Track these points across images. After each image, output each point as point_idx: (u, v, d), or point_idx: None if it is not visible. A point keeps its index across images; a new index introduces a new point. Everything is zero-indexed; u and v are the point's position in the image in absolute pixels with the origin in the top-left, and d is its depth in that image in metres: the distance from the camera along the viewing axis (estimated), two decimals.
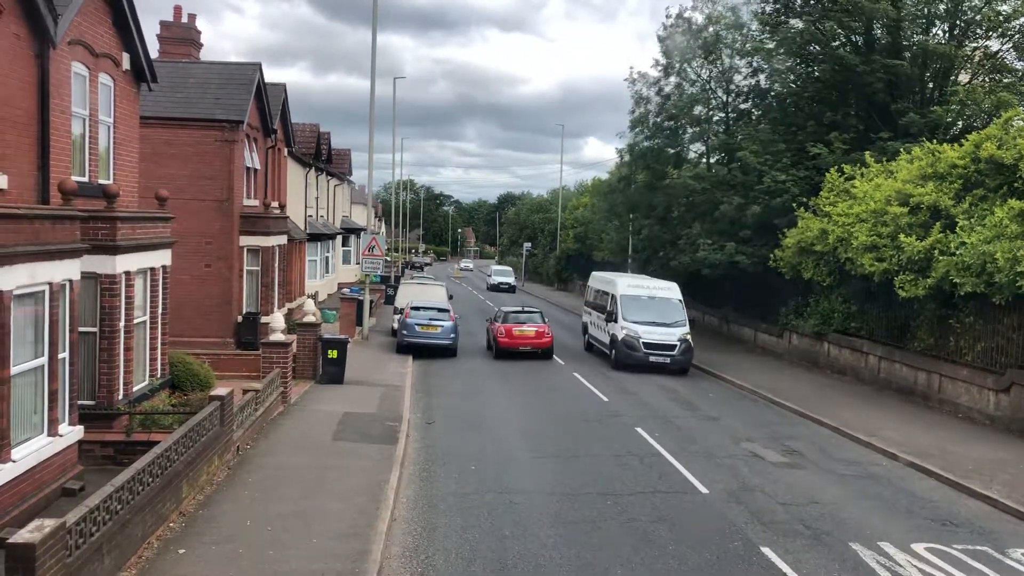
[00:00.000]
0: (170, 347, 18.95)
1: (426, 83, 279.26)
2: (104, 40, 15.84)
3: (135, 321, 15.83)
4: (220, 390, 14.01)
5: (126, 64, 16.82)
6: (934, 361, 21.63)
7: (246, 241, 26.48)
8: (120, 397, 15.05)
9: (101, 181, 15.78)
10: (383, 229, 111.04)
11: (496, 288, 68.52)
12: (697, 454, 16.28)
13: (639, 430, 18.06)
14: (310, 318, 22.41)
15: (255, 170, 28.28)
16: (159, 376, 17.02)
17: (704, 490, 13.81)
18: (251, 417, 15.59)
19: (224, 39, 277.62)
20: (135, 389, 15.82)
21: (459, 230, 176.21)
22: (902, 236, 21.43)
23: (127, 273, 15.15)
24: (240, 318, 26.16)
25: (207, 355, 23.23)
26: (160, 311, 17.01)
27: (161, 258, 16.89)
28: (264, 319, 26.66)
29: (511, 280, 71.32)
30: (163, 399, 15.99)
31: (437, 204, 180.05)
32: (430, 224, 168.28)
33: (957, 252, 19.69)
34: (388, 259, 75.79)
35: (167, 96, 25.77)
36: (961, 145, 22.79)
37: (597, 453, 16.04)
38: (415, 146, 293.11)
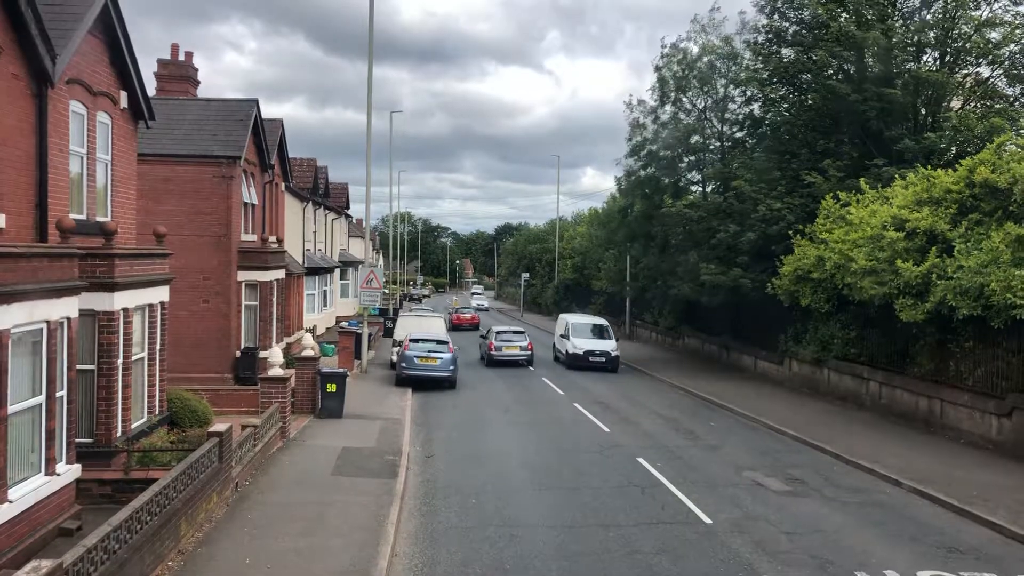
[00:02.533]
0: (169, 383, 18.91)
1: (424, 116, 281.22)
2: (102, 79, 15.97)
3: (133, 358, 15.80)
4: (218, 426, 13.94)
5: (124, 102, 16.94)
6: (935, 386, 21.58)
7: (244, 276, 26.52)
8: (118, 434, 14.97)
9: (99, 218, 15.83)
10: (381, 262, 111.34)
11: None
12: (699, 483, 16.17)
13: (641, 460, 17.95)
14: (308, 352, 22.36)
15: (253, 205, 28.38)
16: (157, 413, 16.95)
17: (707, 520, 13.70)
18: (250, 453, 15.50)
19: (221, 75, 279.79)
20: (134, 426, 15.75)
21: (457, 261, 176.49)
22: (899, 261, 21.47)
23: (125, 310, 15.14)
24: (239, 353, 26.11)
25: (206, 391, 23.15)
26: (158, 347, 16.98)
27: (159, 294, 16.89)
28: (263, 354, 26.62)
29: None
30: (161, 436, 15.92)
31: (435, 236, 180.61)
32: (428, 256, 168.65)
33: (954, 276, 19.72)
34: (386, 291, 75.94)
35: (165, 133, 25.94)
36: (955, 170, 22.91)
37: (598, 485, 15.93)
38: (413, 179, 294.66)
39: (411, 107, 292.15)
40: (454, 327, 54.58)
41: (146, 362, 16.52)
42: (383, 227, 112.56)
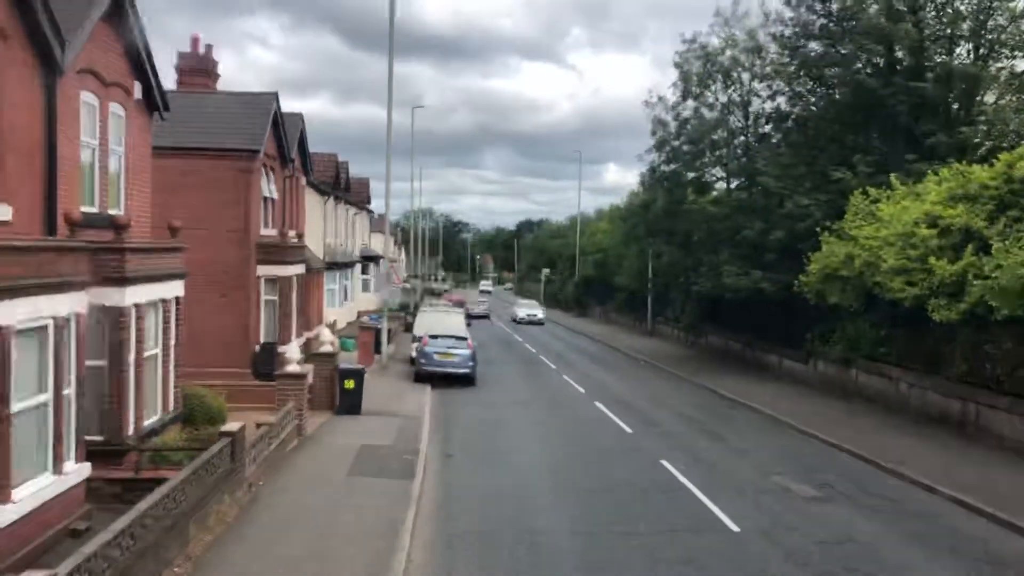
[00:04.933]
0: (185, 379, 18.61)
1: (447, 112, 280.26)
2: (115, 68, 15.62)
3: (146, 354, 15.45)
4: (232, 425, 13.61)
5: (138, 93, 16.60)
6: (970, 389, 20.89)
7: (263, 271, 26.20)
8: (130, 432, 14.64)
9: (111, 211, 15.50)
10: (403, 257, 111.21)
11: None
12: (725, 488, 15.64)
13: (664, 463, 17.43)
14: (327, 348, 22.03)
15: (272, 199, 28.08)
16: (172, 410, 16.63)
17: (735, 528, 13.18)
18: (264, 452, 15.15)
19: (247, 71, 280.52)
20: (146, 424, 15.41)
21: (478, 257, 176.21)
22: (932, 259, 20.79)
23: (137, 305, 14.80)
24: (257, 348, 25.82)
25: (223, 386, 22.80)
26: (173, 344, 16.65)
27: (173, 289, 16.56)
28: (281, 349, 26.33)
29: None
30: (174, 434, 15.58)
31: (457, 231, 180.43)
32: (450, 251, 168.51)
33: (993, 275, 19.04)
34: (408, 286, 75.71)
35: (184, 126, 25.58)
36: (992, 166, 22.18)
37: (621, 489, 15.43)
38: (436, 174, 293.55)
39: (434, 103, 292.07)
40: None
41: (160, 358, 16.19)
42: (405, 222, 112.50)
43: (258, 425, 15.44)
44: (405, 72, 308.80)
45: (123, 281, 14.19)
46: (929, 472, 16.80)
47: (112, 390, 14.27)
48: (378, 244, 71.77)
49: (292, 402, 17.92)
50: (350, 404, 21.22)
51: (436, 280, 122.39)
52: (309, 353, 23.82)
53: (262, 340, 26.11)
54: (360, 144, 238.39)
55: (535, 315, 62.18)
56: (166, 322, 16.27)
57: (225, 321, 25.29)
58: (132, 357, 14.73)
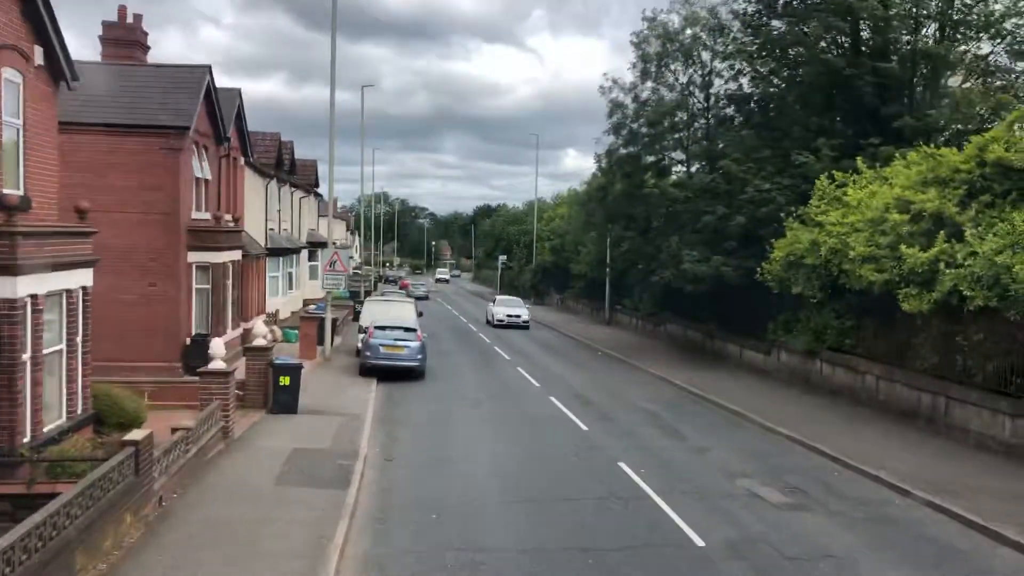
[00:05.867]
0: (104, 376, 17.00)
1: (405, 95, 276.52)
2: (11, 31, 13.87)
3: (46, 351, 13.81)
4: (136, 433, 12.02)
5: (39, 59, 14.84)
6: (939, 382, 19.96)
7: (195, 257, 24.44)
8: (26, 440, 13.02)
9: (6, 191, 13.76)
10: (357, 242, 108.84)
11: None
12: (688, 494, 14.44)
13: (622, 465, 16.18)
14: (260, 341, 20.44)
15: (206, 180, 26.25)
16: (80, 413, 14.99)
17: (700, 542, 11.95)
18: (180, 461, 13.59)
19: (198, 50, 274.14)
20: (47, 429, 13.80)
21: (433, 243, 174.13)
22: (903, 247, 19.79)
23: (33, 297, 13.14)
24: (189, 341, 24.08)
25: (149, 383, 21.24)
26: (80, 339, 15.00)
27: (80, 278, 14.88)
28: (214, 342, 24.64)
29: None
30: (75, 442, 13.90)
31: (413, 217, 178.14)
32: (406, 237, 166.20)
33: (966, 263, 18.08)
34: (360, 273, 73.76)
35: (109, 102, 23.79)
36: (961, 149, 21.26)
37: (576, 497, 14.12)
38: (392, 159, 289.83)
39: (393, 86, 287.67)
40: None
41: (64, 356, 14.54)
42: (359, 208, 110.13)
43: (174, 430, 13.88)
44: (362, 54, 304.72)
45: (14, 269, 12.53)
46: (901, 472, 15.79)
47: (2, 393, 12.62)
48: (328, 229, 69.91)
49: (217, 402, 16.33)
50: (285, 402, 19.67)
51: (391, 267, 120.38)
52: (244, 346, 22.18)
53: (194, 332, 24.39)
54: (315, 127, 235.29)
55: (518, 316, 46.83)
56: (71, 315, 14.61)
57: (153, 312, 23.51)
58: (28, 355, 13.09)
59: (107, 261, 23.31)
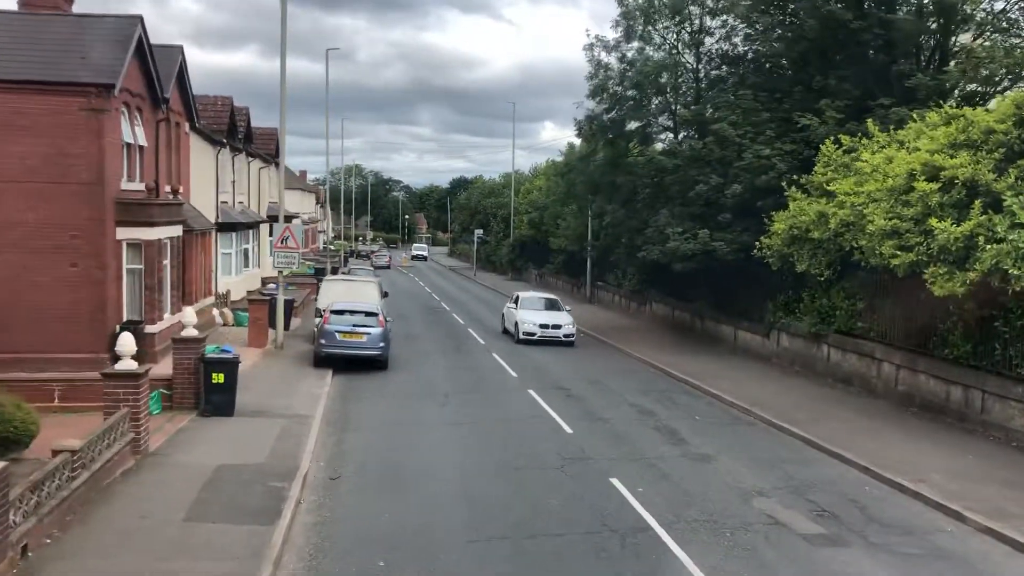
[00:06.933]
0: (24, 366, 14.16)
1: (380, 66, 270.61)
2: None
3: None
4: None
5: None
6: (974, 373, 17.47)
7: (125, 234, 21.43)
8: None
9: None
10: (328, 216, 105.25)
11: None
12: (697, 524, 11.81)
13: (615, 483, 13.52)
14: (190, 331, 17.58)
15: (140, 147, 23.18)
16: None
17: None
18: (62, 492, 10.77)
19: (169, 21, 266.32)
20: None
21: (407, 216, 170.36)
22: (933, 220, 17.17)
23: None
24: (118, 328, 21.11)
25: (59, 382, 18.42)
26: None
27: None
28: (149, 328, 21.78)
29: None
30: None
31: (387, 190, 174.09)
32: (380, 211, 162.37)
33: (1009, 237, 15.51)
34: (332, 247, 70.56)
35: (22, 54, 20.75)
36: (989, 110, 18.65)
37: (561, 531, 11.41)
38: (367, 131, 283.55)
39: (368, 58, 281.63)
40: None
41: None
42: (332, 180, 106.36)
43: (54, 453, 11.05)
44: (337, 24, 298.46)
45: None
46: (947, 488, 13.31)
47: None
48: (296, 202, 66.61)
49: (125, 410, 13.49)
50: (219, 403, 16.84)
51: (364, 241, 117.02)
52: (172, 338, 19.28)
53: (124, 319, 21.46)
54: (291, 100, 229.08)
55: (558, 327, 30.49)
56: None
57: (75, 297, 20.55)
58: None
59: (15, 238, 20.51)
